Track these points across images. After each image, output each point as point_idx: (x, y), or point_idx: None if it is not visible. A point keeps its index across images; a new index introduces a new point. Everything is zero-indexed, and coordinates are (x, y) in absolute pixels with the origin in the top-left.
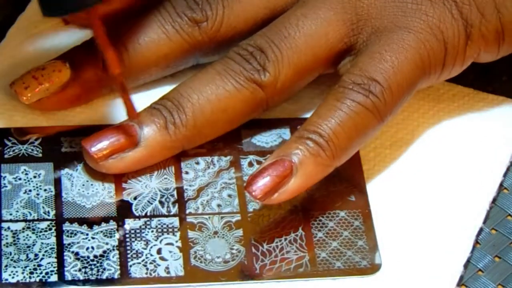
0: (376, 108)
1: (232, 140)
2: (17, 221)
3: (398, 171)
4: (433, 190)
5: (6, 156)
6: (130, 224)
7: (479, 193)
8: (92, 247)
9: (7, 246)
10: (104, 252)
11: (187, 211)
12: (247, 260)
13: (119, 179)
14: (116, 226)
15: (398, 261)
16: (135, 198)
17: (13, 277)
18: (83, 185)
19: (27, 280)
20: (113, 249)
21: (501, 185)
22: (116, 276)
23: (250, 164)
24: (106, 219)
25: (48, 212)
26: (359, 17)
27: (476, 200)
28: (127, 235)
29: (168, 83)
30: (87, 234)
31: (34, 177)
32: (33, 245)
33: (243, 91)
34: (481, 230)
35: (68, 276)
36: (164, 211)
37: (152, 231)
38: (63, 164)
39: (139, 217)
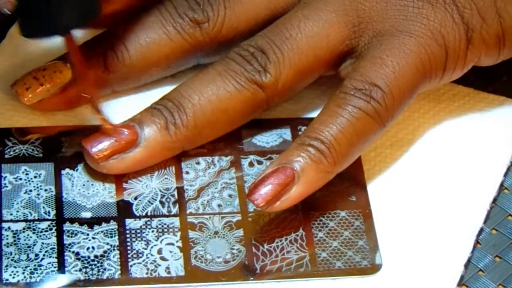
0: (377, 113)
1: (233, 140)
2: (17, 221)
3: (398, 171)
4: (434, 190)
5: (6, 156)
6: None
7: (479, 193)
8: (93, 247)
9: (7, 246)
10: (105, 252)
11: (188, 211)
12: (247, 260)
13: (119, 179)
14: (116, 226)
15: (399, 261)
16: (135, 198)
17: (13, 277)
18: (84, 185)
19: (28, 280)
20: (114, 249)
21: (501, 185)
22: (116, 276)
23: (251, 164)
24: (106, 219)
25: (49, 212)
26: (361, 19)
27: (476, 200)
28: (128, 235)
29: (168, 83)
30: (87, 234)
31: (35, 177)
32: (34, 245)
33: (243, 92)
34: (481, 230)
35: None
36: (164, 211)
37: (153, 231)
38: (64, 164)
39: (139, 217)
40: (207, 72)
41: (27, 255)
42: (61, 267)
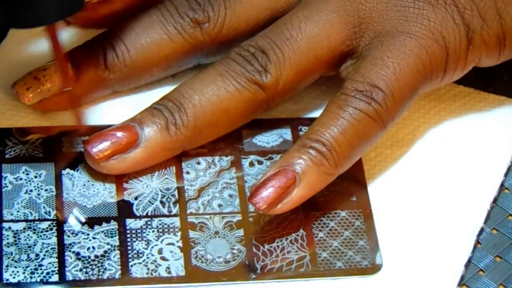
0: (378, 115)
1: (233, 140)
2: (18, 221)
3: (399, 171)
4: (434, 190)
5: (7, 156)
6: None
7: (480, 193)
8: (93, 247)
9: (8, 246)
10: (105, 252)
11: (188, 211)
12: (248, 260)
13: (120, 179)
14: (117, 226)
15: (399, 261)
16: (136, 198)
17: (14, 277)
18: (84, 185)
19: (28, 280)
20: (114, 249)
21: (502, 185)
22: (117, 276)
23: (251, 164)
24: (107, 219)
25: (49, 212)
26: (361, 20)
27: (477, 200)
28: (128, 235)
29: (169, 83)
30: (88, 234)
31: (35, 177)
32: (34, 245)
33: (244, 92)
34: (482, 230)
35: (69, 276)
36: (165, 211)
37: (153, 231)
38: (64, 164)
39: (140, 217)
40: (207, 72)
41: (28, 255)
42: (62, 267)
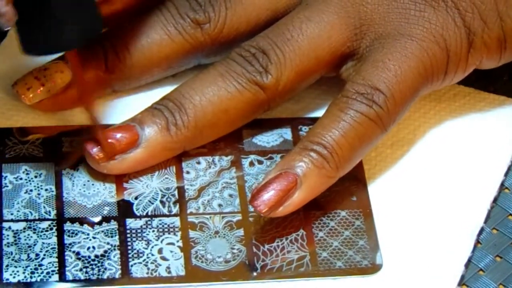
0: (379, 118)
1: (233, 140)
2: (18, 221)
3: (399, 171)
4: (434, 189)
5: (7, 156)
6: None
7: (480, 192)
8: (93, 247)
9: (8, 246)
10: (105, 251)
11: (188, 211)
12: (248, 260)
13: (120, 179)
14: (117, 226)
15: (399, 260)
16: (136, 198)
17: (14, 277)
18: (84, 184)
19: (28, 280)
20: (114, 249)
21: (502, 184)
22: (117, 276)
23: (251, 164)
24: (107, 219)
25: (49, 212)
26: (362, 21)
27: (477, 200)
28: (128, 235)
29: (169, 83)
30: (88, 234)
31: (35, 176)
32: (34, 245)
33: (244, 93)
34: (482, 229)
35: (69, 276)
36: (165, 210)
37: (153, 231)
38: (64, 164)
39: (140, 217)
40: (208, 72)
41: (28, 254)
42: (62, 267)
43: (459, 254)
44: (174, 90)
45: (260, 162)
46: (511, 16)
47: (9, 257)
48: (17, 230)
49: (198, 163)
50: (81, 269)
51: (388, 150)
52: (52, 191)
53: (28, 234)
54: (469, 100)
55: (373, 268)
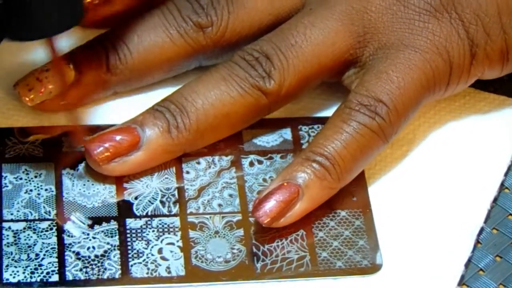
0: (381, 129)
1: (233, 140)
2: (18, 221)
3: (399, 171)
4: (434, 189)
5: (7, 155)
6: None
7: (480, 192)
8: (93, 247)
9: (8, 246)
10: (105, 252)
11: (188, 211)
12: (248, 260)
13: (120, 179)
14: (117, 226)
15: (399, 260)
16: (136, 198)
17: (14, 277)
18: (84, 185)
19: (28, 280)
20: (114, 249)
21: (502, 184)
22: (117, 276)
23: (251, 164)
24: (107, 219)
25: (49, 211)
26: (366, 30)
27: (477, 200)
28: (128, 235)
29: (169, 83)
30: (88, 234)
31: (35, 176)
32: (34, 245)
33: (247, 98)
34: (482, 229)
35: (69, 276)
36: (165, 211)
37: (153, 231)
38: (64, 164)
39: (140, 217)
40: (210, 75)
41: (28, 255)
42: (62, 267)
43: (459, 254)
44: (176, 92)
45: (260, 162)
46: None
47: (9, 257)
48: (17, 230)
49: (198, 163)
50: (81, 269)
51: (387, 150)
52: (52, 191)
53: (28, 234)
54: (469, 100)
55: (373, 268)
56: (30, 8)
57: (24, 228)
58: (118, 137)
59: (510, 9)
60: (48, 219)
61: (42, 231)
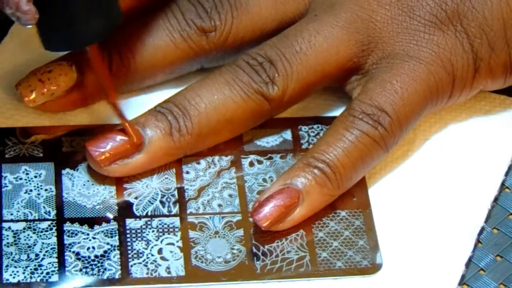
0: (383, 139)
1: (233, 140)
2: (18, 221)
3: (399, 170)
4: (435, 189)
5: (7, 156)
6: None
7: (480, 192)
8: (93, 247)
9: (8, 246)
10: (105, 252)
11: (188, 211)
12: (248, 260)
13: (120, 179)
14: (117, 226)
15: (399, 260)
16: (136, 198)
17: (14, 277)
18: (84, 185)
19: (28, 280)
20: (114, 249)
21: (502, 184)
22: (117, 276)
23: (251, 164)
24: (107, 219)
25: (49, 212)
26: (371, 39)
27: (477, 199)
28: (128, 235)
29: (170, 83)
30: (88, 234)
31: (35, 176)
32: (34, 245)
33: (249, 103)
34: (482, 229)
35: (69, 276)
36: (165, 211)
37: (153, 231)
38: (64, 164)
39: (140, 217)
40: (214, 78)
41: (28, 255)
42: (62, 267)
43: (460, 253)
44: (179, 94)
45: (260, 162)
46: None
47: (9, 257)
48: (17, 230)
49: (198, 163)
50: (81, 269)
51: None
52: (52, 191)
53: (28, 234)
54: (469, 100)
55: (373, 268)
56: (70, 18)
57: (24, 228)
58: (120, 139)
59: None
60: (48, 219)
61: (42, 231)
